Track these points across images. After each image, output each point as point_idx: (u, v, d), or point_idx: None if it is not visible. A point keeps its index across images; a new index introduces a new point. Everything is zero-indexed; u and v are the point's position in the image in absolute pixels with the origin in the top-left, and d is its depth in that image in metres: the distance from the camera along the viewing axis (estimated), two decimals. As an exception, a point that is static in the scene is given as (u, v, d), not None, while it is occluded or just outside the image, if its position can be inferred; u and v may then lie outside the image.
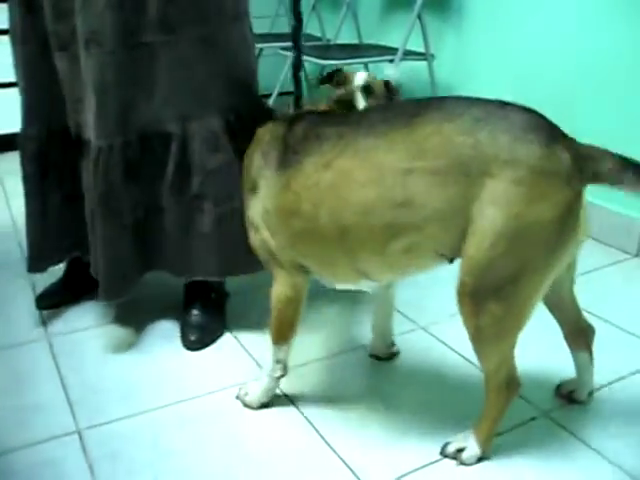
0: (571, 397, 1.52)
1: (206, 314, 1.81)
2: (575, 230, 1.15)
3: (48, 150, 1.71)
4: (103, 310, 1.90)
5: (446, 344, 1.75)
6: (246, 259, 1.54)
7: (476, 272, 1.16)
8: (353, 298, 1.94)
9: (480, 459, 1.35)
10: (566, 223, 1.13)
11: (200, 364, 1.70)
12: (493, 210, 1.11)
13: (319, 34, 3.58)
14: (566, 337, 1.46)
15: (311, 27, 3.54)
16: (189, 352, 1.74)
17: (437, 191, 1.15)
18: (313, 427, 1.46)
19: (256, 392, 1.51)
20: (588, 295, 1.96)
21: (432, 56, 2.86)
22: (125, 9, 1.49)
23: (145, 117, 1.57)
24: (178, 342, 1.77)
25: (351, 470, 1.34)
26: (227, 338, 1.80)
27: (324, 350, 1.74)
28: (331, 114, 1.39)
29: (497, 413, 1.32)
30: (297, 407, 1.53)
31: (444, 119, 1.15)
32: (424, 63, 2.87)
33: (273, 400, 1.54)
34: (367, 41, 3.33)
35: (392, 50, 2.81)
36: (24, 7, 1.61)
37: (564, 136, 1.16)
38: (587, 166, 1.13)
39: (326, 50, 3.07)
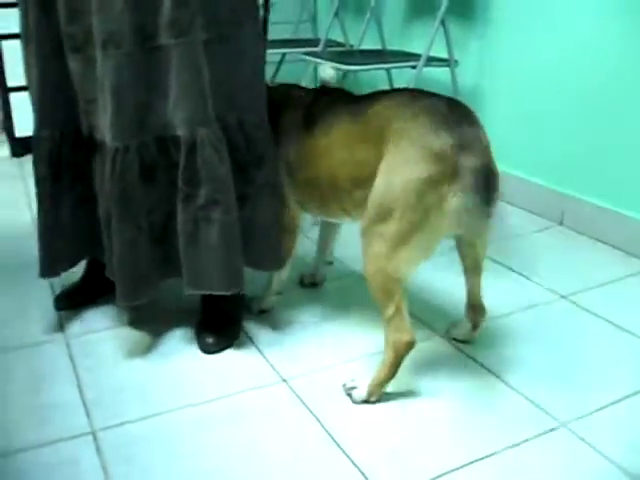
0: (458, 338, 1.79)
1: (223, 317, 1.80)
2: (441, 202, 1.39)
3: (61, 152, 1.71)
4: (120, 312, 1.90)
5: (460, 350, 1.73)
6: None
7: (370, 212, 1.49)
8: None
9: (365, 402, 1.54)
10: (429, 191, 1.39)
11: (216, 367, 1.69)
12: (384, 166, 1.47)
13: (342, 40, 3.57)
14: (467, 306, 1.75)
15: (334, 33, 3.53)
16: (205, 355, 1.74)
17: (372, 153, 1.50)
18: (327, 433, 1.45)
19: None
20: (610, 305, 1.95)
21: (455, 62, 2.84)
22: (142, 11, 1.49)
23: (161, 119, 1.57)
24: (194, 345, 1.77)
25: (365, 477, 1.33)
26: (243, 340, 1.80)
27: (337, 355, 1.73)
28: (337, 95, 1.74)
29: (389, 364, 1.52)
30: (311, 411, 1.52)
31: (383, 104, 1.54)
32: (447, 69, 2.85)
33: (287, 403, 1.54)
34: (390, 47, 3.32)
35: (415, 56, 2.80)
36: (39, 8, 1.60)
37: (466, 128, 1.44)
38: (465, 156, 1.39)
39: (349, 56, 3.06)
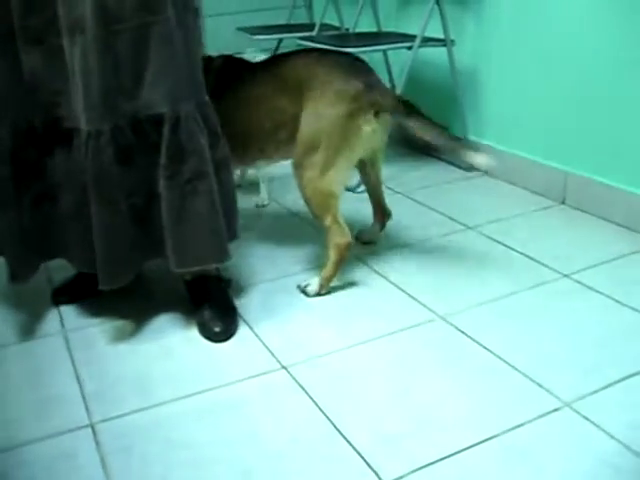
0: (366, 242, 2.22)
1: (223, 304, 1.80)
2: (358, 130, 1.80)
3: (17, 151, 1.65)
4: (117, 305, 1.89)
5: (467, 334, 1.71)
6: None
7: (300, 148, 1.84)
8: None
9: (317, 294, 1.91)
10: (349, 123, 1.79)
11: (215, 356, 1.68)
12: (309, 110, 1.83)
13: (337, 24, 3.54)
14: (374, 212, 2.19)
15: (329, 17, 3.50)
16: (203, 344, 1.72)
17: (293, 100, 1.85)
18: (329, 419, 1.44)
19: None
20: (614, 283, 1.93)
21: (452, 42, 2.80)
22: None
23: (135, 102, 1.56)
24: (192, 334, 1.76)
25: (366, 463, 1.31)
26: (241, 328, 1.79)
27: (343, 340, 1.71)
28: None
29: (333, 262, 1.89)
30: (312, 398, 1.50)
31: (297, 62, 1.90)
32: (444, 50, 2.81)
33: (287, 391, 1.52)
34: (386, 29, 3.29)
35: (411, 37, 2.77)
36: None
37: (368, 75, 1.86)
38: (373, 94, 1.81)
39: (344, 39, 3.03)
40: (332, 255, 1.88)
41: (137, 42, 1.52)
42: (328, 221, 1.85)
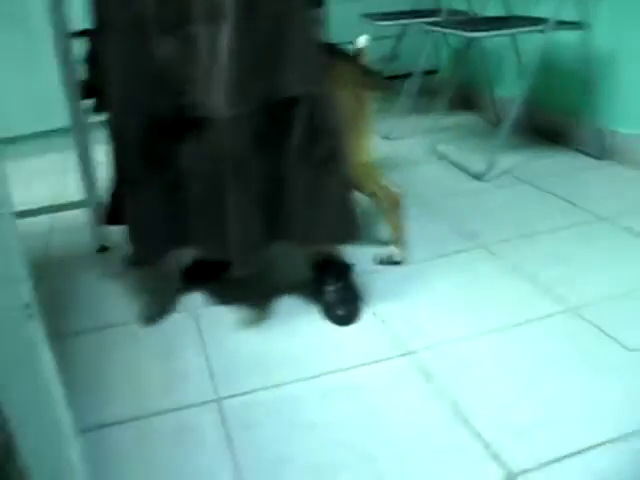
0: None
1: (347, 287, 1.81)
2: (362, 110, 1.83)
3: (147, 140, 1.67)
4: (243, 287, 1.92)
5: (600, 328, 1.63)
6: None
7: None
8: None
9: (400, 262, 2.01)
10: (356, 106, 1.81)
11: (338, 339, 1.68)
12: None
13: (465, 9, 3.45)
14: None
15: (457, 2, 3.42)
16: (327, 327, 1.73)
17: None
18: (453, 408, 1.41)
19: None
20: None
21: (588, 25, 2.67)
22: None
23: (270, 85, 1.57)
24: (315, 316, 1.77)
25: (491, 453, 1.27)
26: (366, 313, 1.78)
27: (468, 329, 1.67)
28: None
29: (396, 224, 1.98)
30: (435, 385, 1.48)
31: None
32: (578, 33, 2.69)
33: (411, 376, 1.50)
34: (516, 14, 3.18)
35: (542, 21, 2.65)
36: None
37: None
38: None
39: (472, 23, 2.95)
40: (392, 216, 1.97)
41: (276, 26, 1.54)
42: (375, 187, 1.90)
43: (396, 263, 2.01)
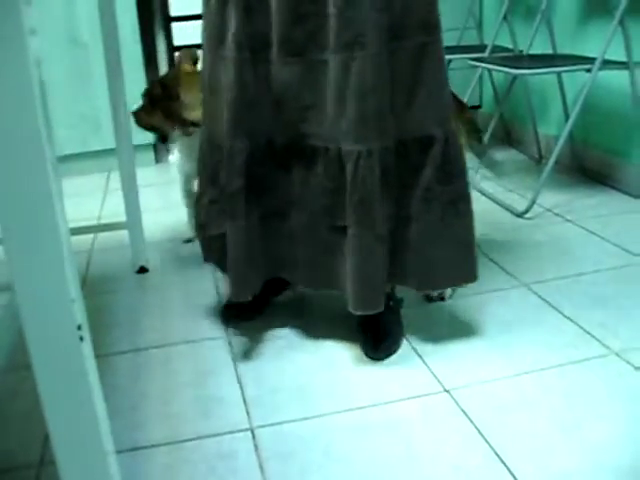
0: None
1: (389, 321, 1.77)
2: None
3: (252, 164, 1.61)
4: (280, 315, 1.92)
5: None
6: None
7: None
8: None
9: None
10: None
11: (376, 374, 1.66)
12: None
13: (510, 45, 3.45)
14: None
15: (502, 39, 3.42)
16: (365, 360, 1.71)
17: None
18: (492, 448, 1.37)
19: None
20: None
21: (636, 65, 2.64)
22: (392, 10, 1.47)
23: (403, 122, 1.54)
24: (355, 349, 1.75)
25: (532, 499, 1.24)
26: (405, 349, 1.76)
27: (509, 368, 1.64)
28: None
29: None
30: (474, 424, 1.44)
31: None
32: (626, 73, 2.66)
33: (449, 414, 1.47)
34: (562, 52, 3.16)
35: (589, 60, 2.64)
36: (244, 11, 1.53)
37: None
38: None
39: (517, 60, 2.95)
40: None
41: (413, 61, 1.51)
42: None
43: (442, 299, 1.98)
